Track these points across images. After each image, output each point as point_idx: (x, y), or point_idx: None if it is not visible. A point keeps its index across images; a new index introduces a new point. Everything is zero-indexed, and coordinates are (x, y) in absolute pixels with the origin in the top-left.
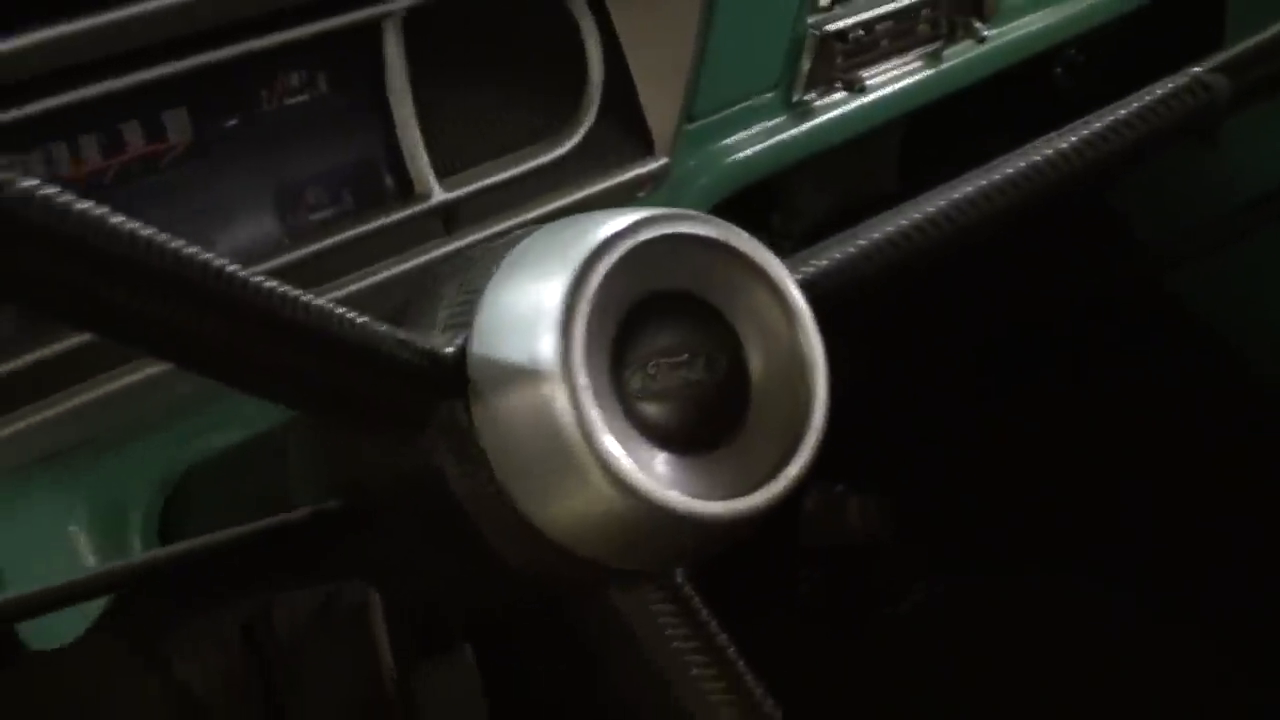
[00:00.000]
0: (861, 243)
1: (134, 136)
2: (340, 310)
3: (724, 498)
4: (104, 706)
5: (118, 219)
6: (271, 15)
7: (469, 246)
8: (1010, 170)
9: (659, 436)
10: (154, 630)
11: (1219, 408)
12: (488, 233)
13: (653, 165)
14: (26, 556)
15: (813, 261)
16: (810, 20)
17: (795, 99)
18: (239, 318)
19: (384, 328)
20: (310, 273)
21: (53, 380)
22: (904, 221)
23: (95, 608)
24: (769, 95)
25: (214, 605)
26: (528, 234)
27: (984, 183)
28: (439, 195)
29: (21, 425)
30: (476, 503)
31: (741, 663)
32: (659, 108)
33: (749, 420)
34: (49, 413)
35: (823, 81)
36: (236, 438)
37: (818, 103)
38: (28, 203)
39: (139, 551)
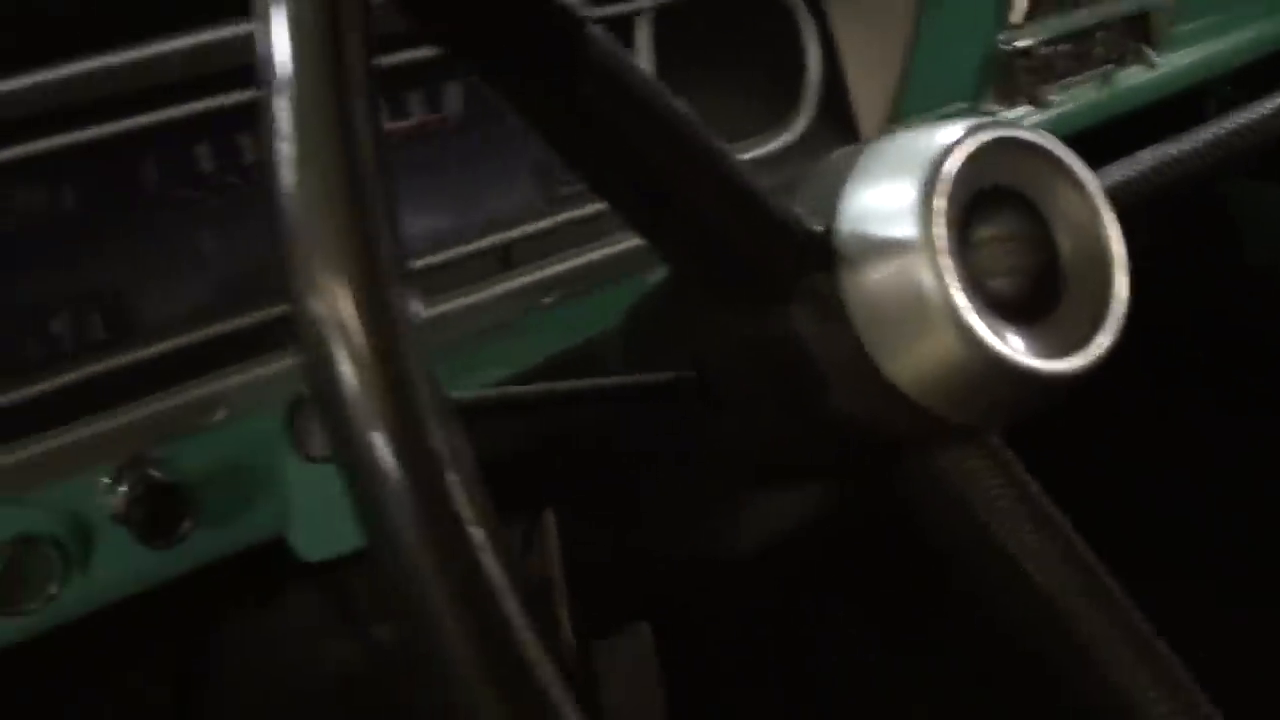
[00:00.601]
0: (1152, 159)
1: (417, 106)
2: (759, 182)
3: (1048, 359)
4: (310, 662)
5: (629, 66)
6: None
7: None
8: (1270, 105)
9: (994, 305)
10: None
11: None
12: None
13: None
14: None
15: (1116, 171)
16: (1001, 36)
17: (985, 110)
18: (683, 154)
19: (777, 200)
20: (563, 237)
21: None
22: (1188, 145)
23: None
24: (963, 105)
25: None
26: (875, 140)
27: (1253, 115)
28: None
29: None
30: (834, 362)
31: (1061, 516)
32: (868, 109)
33: (1064, 299)
34: None
35: (1009, 96)
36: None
37: (1004, 115)
38: (597, 42)
39: None
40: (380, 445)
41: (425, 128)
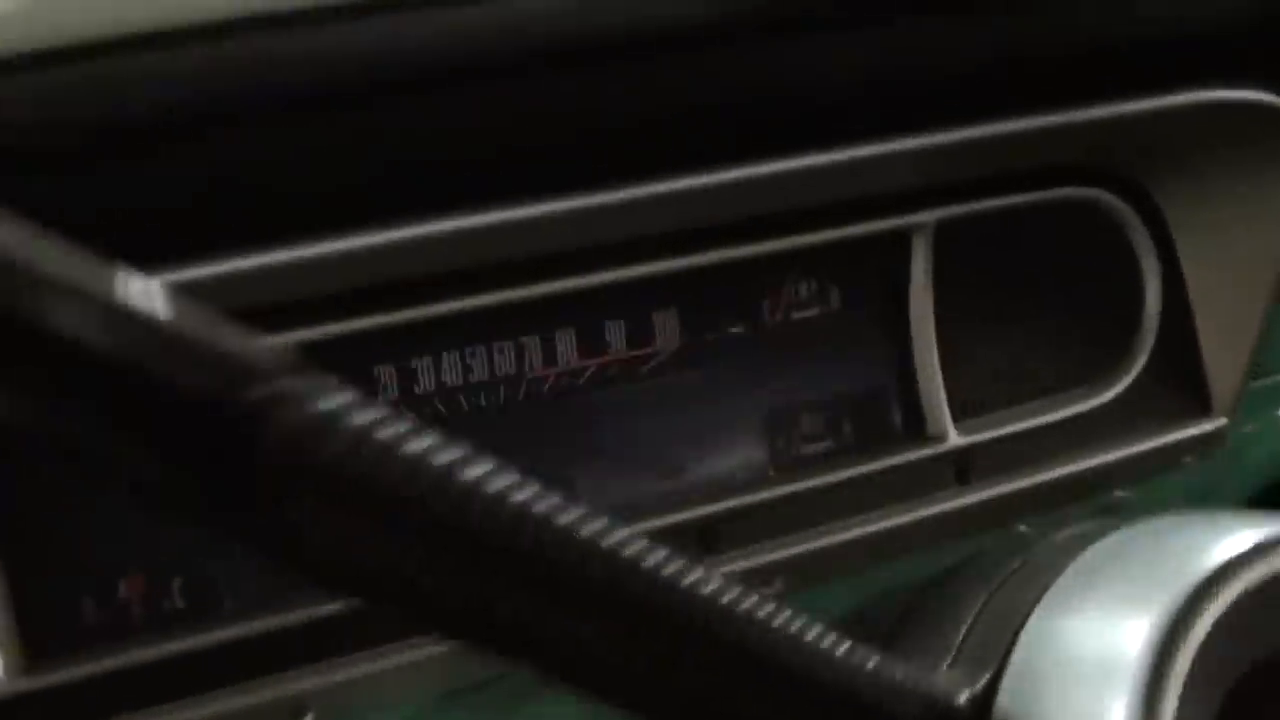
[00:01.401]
0: None
1: (616, 337)
2: (818, 640)
3: None
4: None
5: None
6: (787, 216)
7: (983, 503)
8: None
9: None
10: None
11: None
12: (1004, 490)
13: (1207, 427)
14: None
15: None
16: None
17: None
18: (670, 633)
19: (873, 664)
20: (799, 512)
21: None
22: None
23: None
24: None
25: None
26: (1086, 540)
27: None
28: (954, 439)
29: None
30: None
31: None
32: (1220, 360)
33: None
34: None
35: None
36: None
37: None
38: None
39: None
40: None
41: (630, 364)
